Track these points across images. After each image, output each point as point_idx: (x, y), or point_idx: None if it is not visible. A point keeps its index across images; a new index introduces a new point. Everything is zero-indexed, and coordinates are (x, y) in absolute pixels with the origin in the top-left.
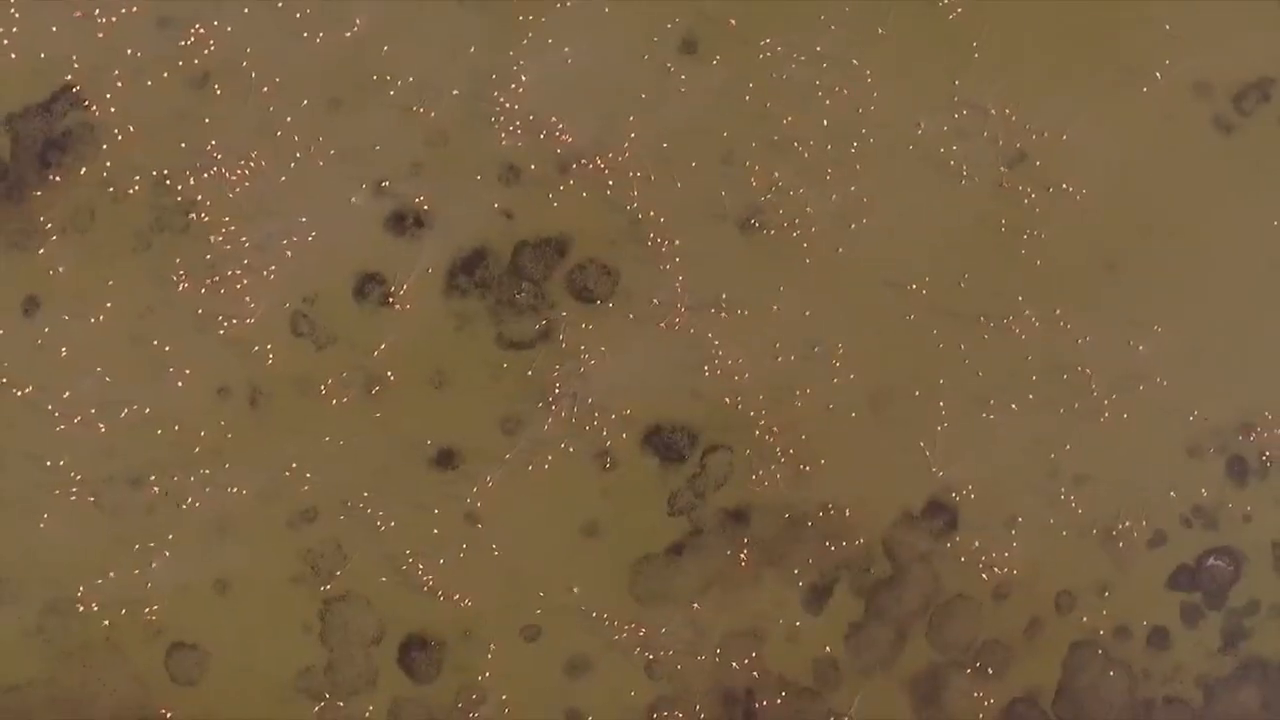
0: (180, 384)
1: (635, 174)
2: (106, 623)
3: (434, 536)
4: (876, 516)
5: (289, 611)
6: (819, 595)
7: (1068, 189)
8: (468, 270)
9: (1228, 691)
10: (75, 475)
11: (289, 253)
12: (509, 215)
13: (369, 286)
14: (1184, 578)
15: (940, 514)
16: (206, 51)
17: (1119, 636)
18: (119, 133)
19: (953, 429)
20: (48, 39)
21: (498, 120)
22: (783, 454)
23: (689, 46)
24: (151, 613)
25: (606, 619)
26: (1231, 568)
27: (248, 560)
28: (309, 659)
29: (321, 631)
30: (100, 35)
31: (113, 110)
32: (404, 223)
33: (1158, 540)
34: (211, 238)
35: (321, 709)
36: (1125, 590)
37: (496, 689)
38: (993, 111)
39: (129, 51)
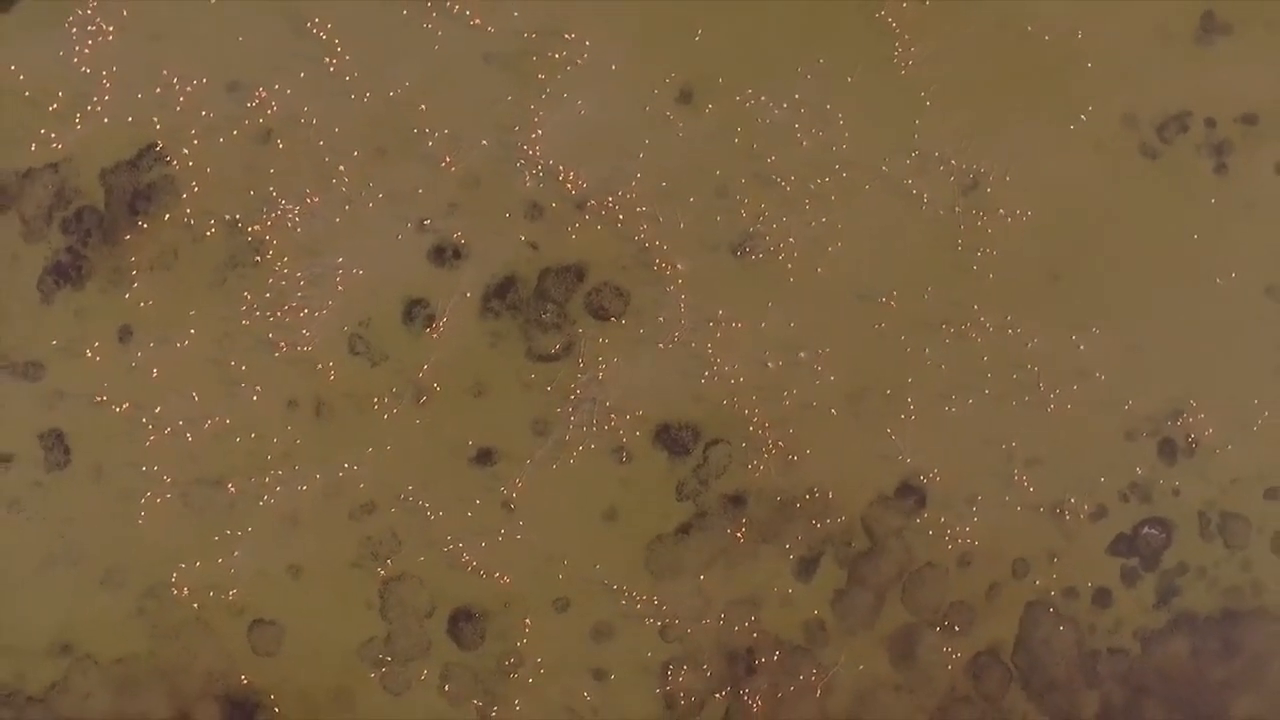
0: (254, 398)
1: (642, 209)
2: (196, 604)
3: (475, 524)
4: (855, 498)
5: (353, 591)
6: (808, 566)
7: (1015, 211)
8: (500, 295)
9: (1162, 642)
10: (166, 479)
11: (345, 284)
12: (534, 247)
13: (415, 311)
14: (1122, 545)
15: (910, 494)
16: (270, 111)
17: (1067, 597)
18: (196, 183)
19: (919, 421)
20: (134, 105)
21: (522, 165)
22: (773, 446)
23: (685, 97)
24: (235, 595)
25: (626, 591)
26: (1163, 535)
27: (316, 548)
28: (371, 631)
29: (381, 608)
30: (178, 106)
31: (190, 164)
32: (444, 255)
33: (1099, 513)
34: (277, 272)
35: (382, 674)
36: (1072, 557)
37: (532, 653)
38: (936, 154)
39: (203, 113)
